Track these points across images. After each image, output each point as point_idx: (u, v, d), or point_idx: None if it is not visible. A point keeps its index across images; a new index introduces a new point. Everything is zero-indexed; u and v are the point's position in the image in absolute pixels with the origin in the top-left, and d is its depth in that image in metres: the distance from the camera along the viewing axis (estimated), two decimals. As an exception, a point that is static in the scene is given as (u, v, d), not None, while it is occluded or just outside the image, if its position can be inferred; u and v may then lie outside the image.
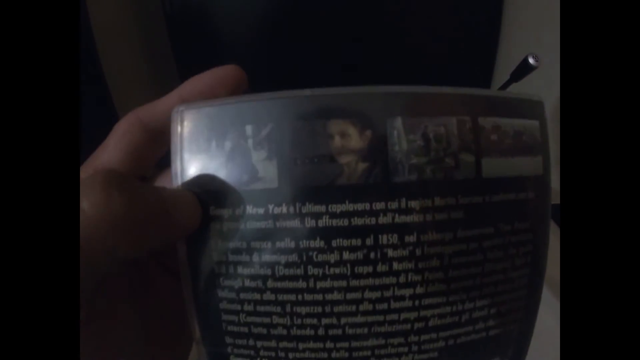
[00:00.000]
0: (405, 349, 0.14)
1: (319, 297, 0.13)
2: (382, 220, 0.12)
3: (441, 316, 0.14)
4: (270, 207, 0.12)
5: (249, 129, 0.13)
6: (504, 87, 0.37)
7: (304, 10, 0.51)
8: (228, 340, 0.14)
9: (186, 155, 0.13)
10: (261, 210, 0.13)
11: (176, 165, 0.13)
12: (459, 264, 0.13)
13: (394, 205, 0.12)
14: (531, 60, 0.32)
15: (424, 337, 0.14)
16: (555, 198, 0.14)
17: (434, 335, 0.14)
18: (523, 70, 0.34)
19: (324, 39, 0.51)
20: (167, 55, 0.51)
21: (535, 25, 0.46)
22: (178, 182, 0.13)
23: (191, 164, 0.13)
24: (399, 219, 0.13)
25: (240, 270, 0.13)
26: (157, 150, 0.15)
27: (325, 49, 0.52)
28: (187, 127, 0.13)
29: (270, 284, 0.13)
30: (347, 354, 0.14)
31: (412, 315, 0.13)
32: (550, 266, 0.15)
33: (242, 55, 0.53)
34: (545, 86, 0.34)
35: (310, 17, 0.51)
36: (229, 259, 0.13)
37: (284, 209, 0.12)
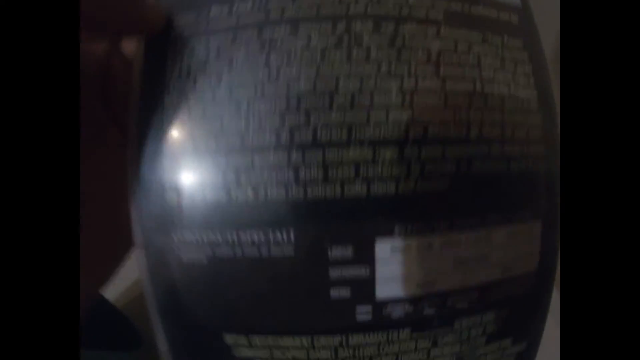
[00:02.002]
0: (404, 170, 0.09)
1: (283, 88, 0.10)
2: (354, 9, 0.11)
3: (443, 122, 0.10)
4: (235, 3, 0.11)
5: None
6: None
7: None
8: (166, 163, 0.10)
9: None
10: (225, 10, 0.11)
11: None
12: (450, 62, 0.10)
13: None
14: None
15: (425, 152, 0.10)
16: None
17: (438, 152, 0.10)
18: None
19: None
20: None
21: None
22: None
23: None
24: (373, 9, 0.11)
25: (193, 67, 0.10)
26: None
27: None
28: None
29: (225, 77, 0.10)
30: (321, 172, 0.09)
31: (405, 115, 0.10)
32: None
33: None
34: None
35: None
36: (184, 65, 0.11)
37: (249, 4, 0.11)
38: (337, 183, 0.10)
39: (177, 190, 0.10)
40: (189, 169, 0.10)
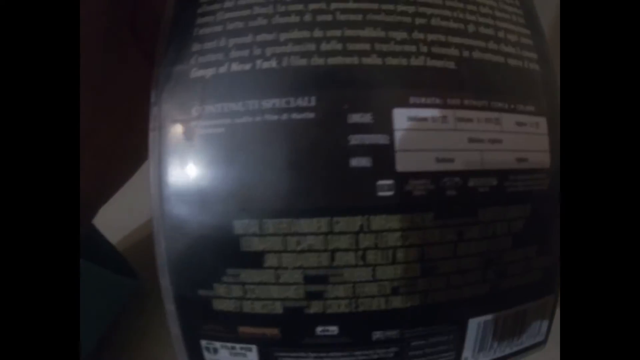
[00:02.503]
0: (413, 48, 0.10)
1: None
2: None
3: (444, 18, 0.11)
4: None
5: None
6: None
7: None
8: (195, 47, 0.11)
9: None
10: None
11: None
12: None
13: None
14: None
15: (430, 37, 0.11)
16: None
17: (441, 38, 0.11)
18: None
19: None
20: None
21: None
22: None
23: None
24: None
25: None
26: None
27: None
28: None
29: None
30: (340, 45, 0.10)
31: (410, 9, 0.11)
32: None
33: None
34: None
35: None
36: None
37: None
38: (355, 54, 0.10)
39: (203, 67, 0.10)
40: (216, 50, 0.11)
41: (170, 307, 0.11)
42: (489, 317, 0.11)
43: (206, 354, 0.11)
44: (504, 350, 0.12)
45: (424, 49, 0.11)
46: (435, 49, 0.11)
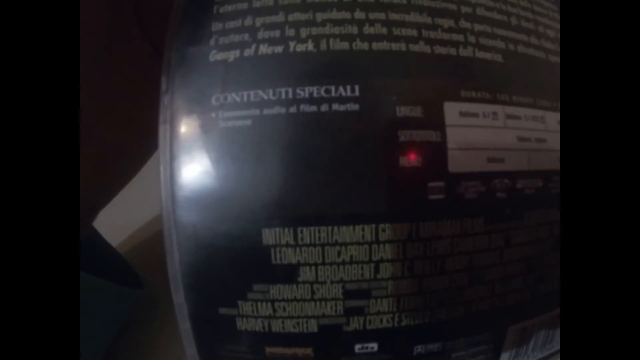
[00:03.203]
0: (461, 37, 0.09)
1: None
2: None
3: (488, 8, 0.10)
4: None
5: None
6: None
7: None
8: (215, 26, 0.09)
9: None
10: None
11: None
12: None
13: None
14: None
15: (477, 27, 0.10)
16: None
17: (487, 29, 0.10)
18: None
19: None
20: None
21: None
22: None
23: None
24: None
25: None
26: None
27: None
28: None
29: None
30: (385, 29, 0.09)
31: None
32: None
33: None
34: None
35: None
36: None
37: None
38: (402, 40, 0.09)
39: (225, 49, 0.09)
40: (241, 30, 0.09)
41: (185, 325, 0.09)
42: (527, 323, 0.11)
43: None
44: (536, 355, 0.12)
45: (472, 39, 0.09)
46: (483, 40, 0.10)
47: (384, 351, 0.09)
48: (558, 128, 0.10)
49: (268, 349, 0.09)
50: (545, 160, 0.10)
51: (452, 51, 0.09)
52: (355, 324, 0.09)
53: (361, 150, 0.08)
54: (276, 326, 0.09)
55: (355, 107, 0.08)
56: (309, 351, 0.09)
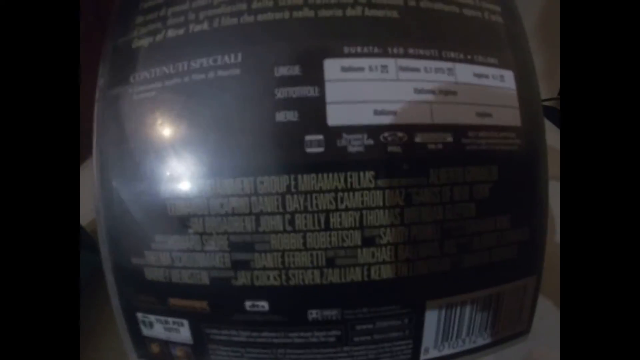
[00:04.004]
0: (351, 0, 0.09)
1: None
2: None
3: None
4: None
5: None
6: None
7: None
8: (138, 19, 0.10)
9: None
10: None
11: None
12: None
13: None
14: None
15: (372, -11, 0.09)
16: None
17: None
18: None
19: None
20: None
21: None
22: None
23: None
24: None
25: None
26: None
27: None
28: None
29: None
30: (271, 2, 0.09)
31: None
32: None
33: None
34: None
35: None
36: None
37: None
38: (286, 9, 0.09)
39: (143, 36, 0.10)
40: (156, 20, 0.10)
41: (110, 277, 0.10)
42: (453, 300, 0.09)
43: (143, 329, 0.10)
44: (475, 341, 0.10)
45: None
46: (376, 0, 0.09)
47: (275, 311, 0.09)
48: (473, 80, 0.09)
49: (171, 300, 0.09)
50: (455, 113, 0.09)
51: (338, 12, 0.09)
52: (243, 278, 0.09)
53: (242, 110, 0.09)
54: (175, 277, 0.09)
55: (236, 71, 0.09)
56: (204, 305, 0.09)
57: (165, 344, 0.10)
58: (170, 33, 0.10)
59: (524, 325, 0.11)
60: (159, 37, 0.10)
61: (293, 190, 0.09)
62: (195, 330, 0.09)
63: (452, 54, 0.09)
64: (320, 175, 0.08)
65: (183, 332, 0.10)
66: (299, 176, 0.08)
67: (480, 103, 0.09)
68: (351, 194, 0.08)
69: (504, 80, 0.10)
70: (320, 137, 0.09)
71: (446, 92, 0.09)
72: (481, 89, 0.09)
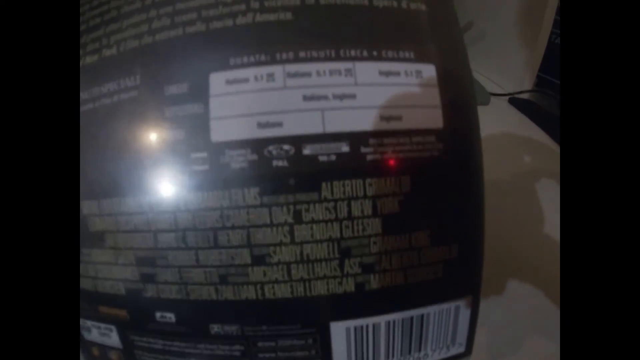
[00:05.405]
0: (242, 7, 0.09)
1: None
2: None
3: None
4: None
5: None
6: None
7: None
8: (82, 39, 0.11)
9: None
10: None
11: None
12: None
13: None
14: None
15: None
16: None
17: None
18: None
19: None
20: None
21: None
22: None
23: None
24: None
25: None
26: None
27: None
28: None
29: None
30: (168, 21, 0.09)
31: None
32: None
33: None
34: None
35: None
36: None
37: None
38: (180, 26, 0.09)
39: (83, 57, 0.10)
40: (83, 46, 0.10)
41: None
42: (364, 322, 0.08)
43: (85, 333, 0.11)
44: None
45: (255, 5, 0.08)
46: (270, 2, 0.08)
47: (181, 323, 0.09)
48: (378, 80, 0.08)
49: (100, 308, 0.10)
50: (352, 120, 0.08)
51: (229, 22, 0.08)
52: (150, 290, 0.09)
53: (138, 131, 0.09)
54: (100, 286, 0.10)
55: (134, 93, 0.09)
56: (124, 313, 0.09)
57: (102, 347, 0.10)
58: (88, 59, 0.10)
59: (461, 347, 0.09)
60: (81, 63, 0.10)
61: (182, 208, 0.08)
62: (122, 335, 0.10)
63: (353, 52, 0.08)
64: (206, 193, 0.08)
65: (113, 337, 0.10)
66: (188, 194, 0.08)
67: (386, 105, 0.08)
68: (237, 211, 0.08)
69: (421, 76, 0.08)
70: (205, 154, 0.08)
71: (342, 97, 0.08)
72: (388, 89, 0.08)
